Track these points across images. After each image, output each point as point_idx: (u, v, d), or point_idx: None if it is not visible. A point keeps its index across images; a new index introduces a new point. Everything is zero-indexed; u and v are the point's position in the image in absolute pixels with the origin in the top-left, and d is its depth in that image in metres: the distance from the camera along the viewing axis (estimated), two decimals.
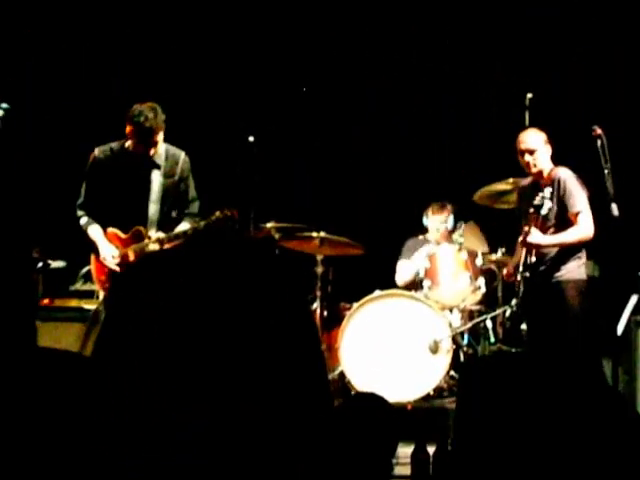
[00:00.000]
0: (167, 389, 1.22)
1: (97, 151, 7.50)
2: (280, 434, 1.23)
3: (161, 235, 7.34)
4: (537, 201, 7.54)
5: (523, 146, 7.65)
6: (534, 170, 7.70)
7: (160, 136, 7.27)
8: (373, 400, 4.34)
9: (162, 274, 1.29)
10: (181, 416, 1.21)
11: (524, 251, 7.67)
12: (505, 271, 8.26)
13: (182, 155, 7.54)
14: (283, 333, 1.26)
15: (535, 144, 7.64)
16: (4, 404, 1.90)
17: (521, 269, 7.66)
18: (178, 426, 1.22)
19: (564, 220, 7.68)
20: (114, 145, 7.47)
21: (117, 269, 7.37)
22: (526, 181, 8.00)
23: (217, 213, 7.26)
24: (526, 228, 7.65)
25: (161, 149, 7.43)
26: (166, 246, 7.27)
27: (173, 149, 7.53)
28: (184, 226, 7.46)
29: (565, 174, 7.65)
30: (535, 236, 7.60)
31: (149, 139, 7.25)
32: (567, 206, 7.65)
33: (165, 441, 1.22)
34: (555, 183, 7.67)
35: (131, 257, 7.35)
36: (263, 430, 1.23)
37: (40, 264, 8.53)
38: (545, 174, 7.68)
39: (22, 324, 8.13)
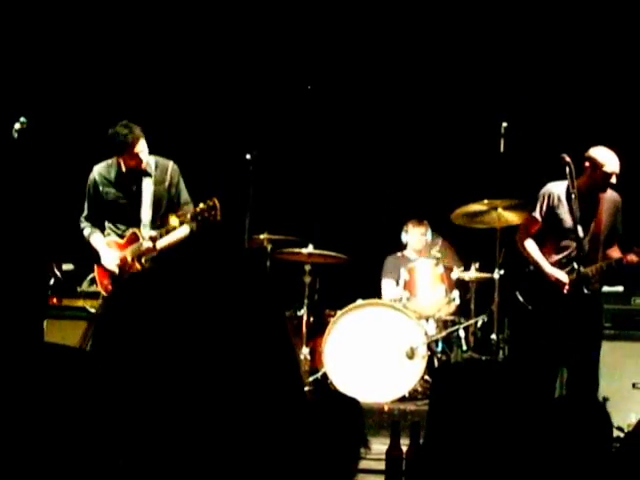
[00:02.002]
0: (156, 388, 1.23)
1: (95, 169, 7.67)
2: (260, 431, 1.25)
3: (153, 233, 7.40)
4: None
5: (618, 170, 7.32)
6: (607, 188, 7.42)
7: (140, 145, 7.38)
8: (339, 397, 4.35)
9: (156, 282, 1.31)
10: (171, 416, 1.23)
11: (599, 266, 7.41)
12: (565, 280, 7.47)
13: (170, 163, 7.65)
14: (260, 339, 1.28)
15: None
16: (10, 395, 1.88)
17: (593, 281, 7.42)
18: (169, 426, 1.23)
19: (612, 238, 7.60)
20: (110, 161, 7.62)
21: (116, 270, 7.43)
22: (559, 186, 7.53)
23: (201, 204, 7.31)
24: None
25: (151, 160, 7.56)
26: (159, 242, 7.35)
27: (162, 159, 7.65)
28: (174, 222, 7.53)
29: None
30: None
31: (131, 150, 7.37)
32: (619, 227, 7.62)
33: (159, 439, 1.23)
34: (616, 202, 7.57)
35: (129, 258, 7.42)
36: (246, 427, 1.24)
37: (53, 280, 8.57)
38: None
39: (31, 321, 8.12)
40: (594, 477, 2.80)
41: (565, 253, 7.52)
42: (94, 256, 7.62)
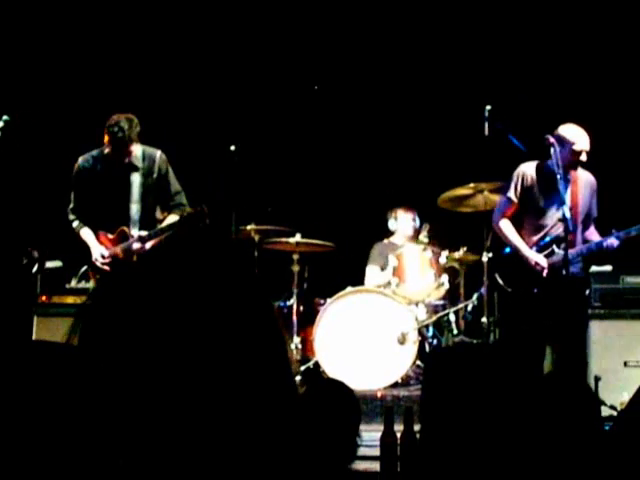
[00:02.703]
0: (147, 383, 1.23)
1: (80, 160, 7.57)
2: (251, 424, 1.25)
3: (143, 233, 7.35)
4: None
5: (588, 147, 7.23)
6: (578, 166, 7.33)
7: (133, 146, 7.31)
8: (334, 385, 4.36)
9: (143, 274, 1.30)
10: (163, 411, 1.22)
11: (580, 250, 7.33)
12: (544, 264, 7.40)
13: (158, 153, 7.53)
14: (248, 330, 1.28)
15: None
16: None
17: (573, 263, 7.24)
18: (161, 422, 1.22)
19: (588, 220, 7.53)
20: (95, 153, 7.52)
21: (106, 269, 7.39)
22: (532, 166, 7.47)
23: (188, 209, 7.28)
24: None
25: (138, 151, 7.44)
26: (148, 243, 7.29)
27: (149, 149, 7.53)
28: (168, 220, 7.46)
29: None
30: None
31: (123, 149, 7.29)
32: (594, 209, 7.55)
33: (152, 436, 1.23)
34: (592, 184, 7.49)
35: (120, 255, 7.38)
36: (238, 419, 1.24)
37: (36, 266, 8.50)
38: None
39: (19, 319, 8.11)
40: (584, 454, 2.80)
41: (542, 233, 7.46)
42: (83, 253, 7.62)
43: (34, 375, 1.88)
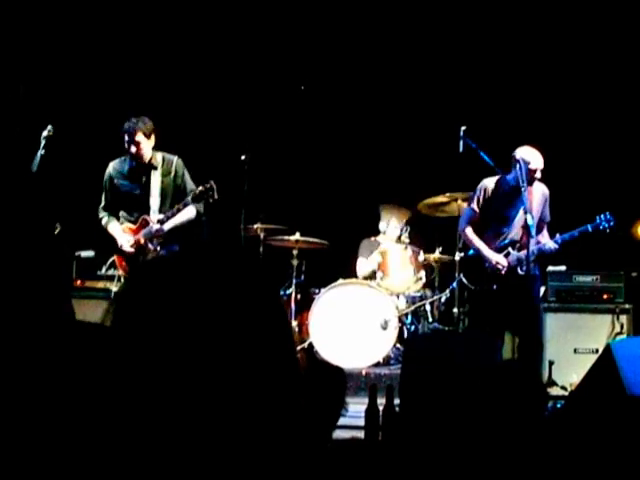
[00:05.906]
0: (166, 377, 1.19)
1: (110, 164, 7.63)
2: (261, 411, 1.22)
3: (160, 217, 7.38)
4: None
5: (542, 166, 7.27)
6: (534, 182, 7.33)
7: (140, 136, 7.33)
8: (327, 366, 4.39)
9: (169, 267, 1.29)
10: (182, 402, 1.18)
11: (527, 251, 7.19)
12: (504, 263, 7.37)
13: (175, 158, 7.56)
14: (260, 326, 1.25)
15: None
16: (45, 370, 1.84)
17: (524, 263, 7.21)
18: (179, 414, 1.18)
19: (541, 224, 7.46)
20: (123, 157, 7.56)
21: (132, 250, 7.42)
22: (493, 181, 7.47)
23: (199, 187, 7.24)
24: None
25: (158, 156, 7.48)
26: (166, 224, 7.35)
27: (168, 155, 7.56)
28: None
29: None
30: None
31: (131, 138, 7.31)
32: (546, 215, 7.53)
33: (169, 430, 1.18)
34: (544, 194, 7.48)
35: (142, 241, 7.42)
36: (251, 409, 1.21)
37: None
38: None
39: (61, 301, 8.10)
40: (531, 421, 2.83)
41: (501, 237, 7.47)
42: (112, 244, 7.64)
43: (72, 349, 1.89)
